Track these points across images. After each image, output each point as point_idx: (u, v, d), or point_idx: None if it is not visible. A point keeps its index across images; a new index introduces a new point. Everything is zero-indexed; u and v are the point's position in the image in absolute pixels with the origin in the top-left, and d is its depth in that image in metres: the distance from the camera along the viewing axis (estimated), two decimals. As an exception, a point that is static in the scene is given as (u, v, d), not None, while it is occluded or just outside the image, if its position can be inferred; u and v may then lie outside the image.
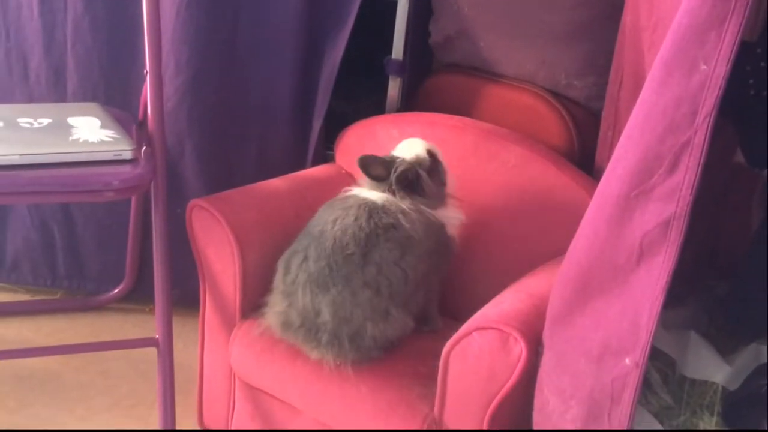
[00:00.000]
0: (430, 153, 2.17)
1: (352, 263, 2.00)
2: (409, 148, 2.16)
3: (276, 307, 2.12)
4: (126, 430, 2.41)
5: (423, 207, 2.11)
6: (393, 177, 2.10)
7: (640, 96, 1.40)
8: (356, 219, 2.04)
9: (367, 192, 2.13)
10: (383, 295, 2.01)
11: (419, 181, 2.12)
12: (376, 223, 2.03)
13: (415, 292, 2.09)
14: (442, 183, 2.19)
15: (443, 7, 2.71)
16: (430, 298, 2.21)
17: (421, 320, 2.18)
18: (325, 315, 2.01)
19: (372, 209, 2.06)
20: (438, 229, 2.14)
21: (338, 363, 2.04)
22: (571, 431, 1.63)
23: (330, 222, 2.06)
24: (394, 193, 2.11)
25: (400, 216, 2.05)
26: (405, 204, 2.09)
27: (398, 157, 2.14)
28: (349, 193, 2.15)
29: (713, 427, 1.83)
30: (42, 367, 2.61)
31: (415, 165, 2.12)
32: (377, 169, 2.13)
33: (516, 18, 2.57)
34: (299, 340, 2.08)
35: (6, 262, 2.98)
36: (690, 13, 1.27)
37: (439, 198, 2.17)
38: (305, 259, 2.05)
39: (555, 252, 2.14)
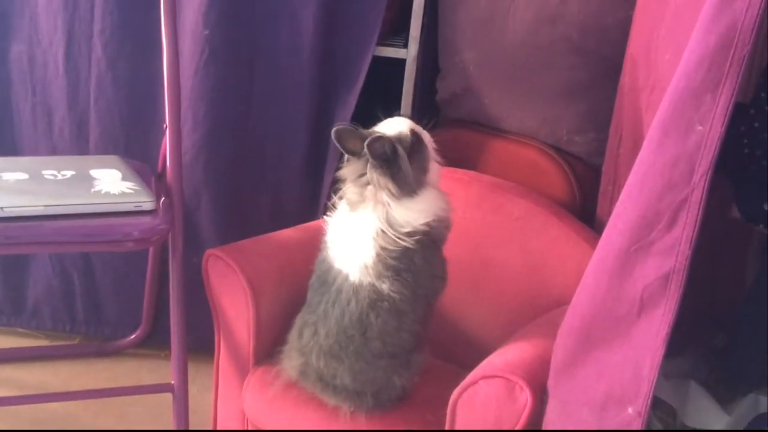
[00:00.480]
0: (414, 132, 2.00)
1: (357, 342, 1.99)
2: (392, 125, 2.02)
3: (293, 361, 2.10)
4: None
5: (393, 220, 1.95)
6: (365, 147, 1.89)
7: (639, 155, 1.42)
8: (348, 303, 1.99)
9: (337, 250, 2.04)
10: (399, 355, 2.01)
11: (396, 157, 1.93)
12: (362, 305, 1.97)
13: (427, 319, 2.07)
14: (423, 168, 2.01)
15: (450, 66, 2.73)
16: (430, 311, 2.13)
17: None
18: (345, 379, 2.01)
19: (355, 290, 1.98)
20: (416, 242, 1.96)
21: (354, 411, 2.04)
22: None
23: (330, 304, 2.02)
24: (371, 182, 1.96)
25: (377, 283, 1.96)
26: (371, 255, 1.96)
27: (377, 132, 1.98)
28: (332, 265, 2.05)
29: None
30: (61, 411, 2.60)
31: (394, 140, 1.95)
32: (353, 142, 1.98)
33: (518, 77, 2.59)
34: (317, 390, 2.08)
35: (27, 308, 2.98)
36: (686, 76, 1.28)
37: (418, 183, 1.99)
38: (316, 333, 2.03)
39: (558, 302, 2.15)
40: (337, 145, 1.99)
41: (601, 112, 2.50)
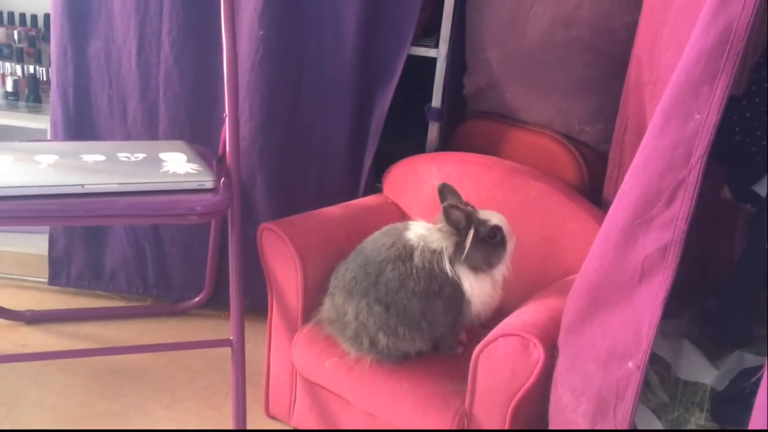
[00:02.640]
0: (498, 229, 2.01)
1: (369, 281, 2.01)
2: (493, 215, 2.04)
3: (326, 305, 2.16)
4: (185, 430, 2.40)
5: (446, 257, 2.00)
6: (443, 208, 1.97)
7: (643, 140, 1.41)
8: (383, 245, 2.04)
9: (418, 225, 2.08)
10: (392, 314, 2.00)
11: (467, 230, 1.98)
12: (391, 253, 2.02)
13: (419, 321, 2.02)
14: (490, 260, 2.03)
15: (476, 64, 2.72)
16: (442, 333, 2.10)
17: (439, 345, 2.15)
18: (350, 316, 2.05)
19: (397, 240, 2.04)
20: (446, 280, 2.00)
21: (359, 358, 2.08)
22: (581, 431, 1.62)
23: (370, 242, 2.10)
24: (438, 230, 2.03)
25: (415, 253, 2.00)
26: (433, 246, 2.01)
27: (472, 210, 2.03)
28: (402, 223, 2.14)
29: (702, 422, 1.81)
30: (134, 363, 2.63)
31: (472, 218, 2.00)
32: (449, 198, 2.05)
33: (536, 74, 2.57)
34: (335, 333, 2.13)
35: (105, 274, 3.00)
36: (686, 70, 1.28)
37: (476, 265, 2.01)
38: (346, 270, 2.09)
39: (568, 271, 2.15)
40: (439, 195, 2.08)
41: (609, 105, 2.48)
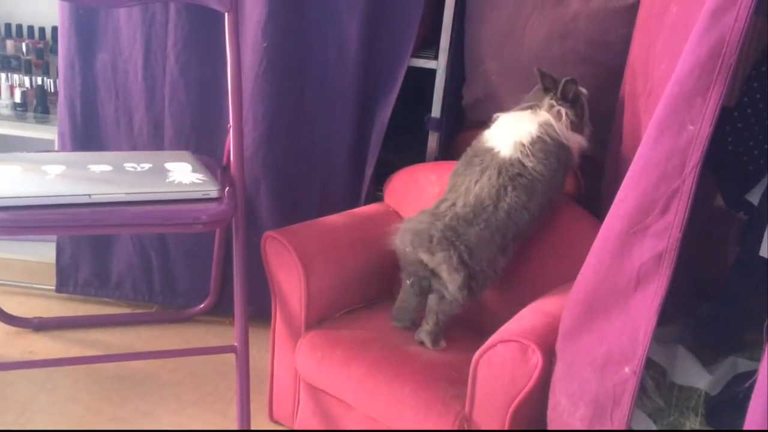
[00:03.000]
0: (582, 93, 2.28)
1: (488, 212, 2.11)
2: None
3: (419, 216, 2.21)
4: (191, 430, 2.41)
5: (559, 129, 2.20)
6: (561, 87, 2.21)
7: (638, 151, 1.42)
8: (489, 178, 2.14)
9: (503, 136, 2.22)
10: (508, 237, 2.13)
11: (578, 99, 2.24)
12: (504, 177, 2.13)
13: (532, 222, 2.18)
14: (586, 119, 2.29)
15: (474, 75, 2.73)
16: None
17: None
18: (471, 239, 2.11)
19: (501, 165, 2.15)
20: (563, 152, 2.20)
21: (454, 272, 2.11)
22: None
23: (473, 182, 2.17)
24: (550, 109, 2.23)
25: (525, 159, 2.14)
26: (530, 134, 2.17)
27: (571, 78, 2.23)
28: (485, 146, 2.24)
29: (697, 426, 1.82)
30: (141, 369, 2.63)
31: (578, 86, 2.23)
32: (548, 81, 2.26)
33: (533, 85, 2.58)
34: (431, 243, 2.12)
35: (112, 281, 3.00)
36: (680, 82, 1.28)
37: (581, 126, 2.27)
38: (453, 204, 2.16)
39: (565, 278, 2.14)
40: (539, 79, 2.28)
41: (604, 116, 2.49)
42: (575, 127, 2.23)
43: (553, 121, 2.19)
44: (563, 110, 2.21)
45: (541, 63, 2.51)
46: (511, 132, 2.20)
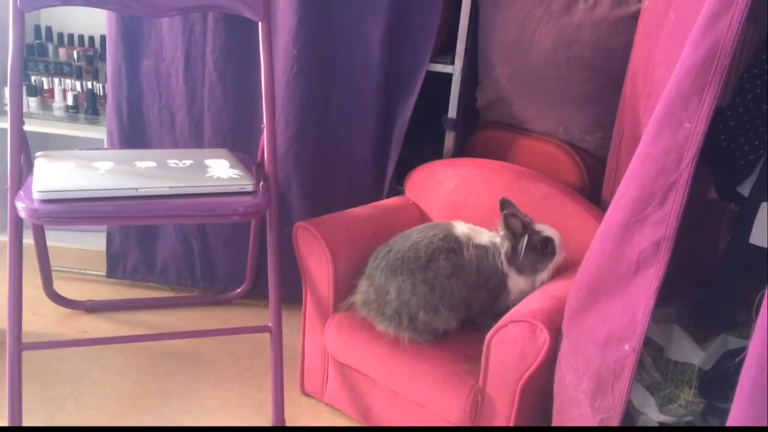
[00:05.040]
0: (549, 240, 2.12)
1: (418, 264, 2.05)
2: (548, 229, 2.15)
3: (361, 287, 2.17)
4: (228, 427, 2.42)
5: (502, 253, 2.11)
6: (503, 216, 2.09)
7: (638, 147, 1.42)
8: (433, 236, 2.09)
9: (460, 225, 2.17)
10: (435, 294, 2.04)
11: (521, 238, 2.09)
12: (444, 244, 2.07)
13: (460, 304, 2.08)
14: (536, 265, 2.12)
15: (487, 80, 2.72)
16: (477, 314, 2.16)
17: (472, 323, 2.18)
18: (392, 295, 2.06)
19: (447, 235, 2.10)
20: (495, 272, 2.11)
21: (396, 337, 2.08)
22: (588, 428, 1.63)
23: (417, 232, 2.13)
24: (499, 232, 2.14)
25: (465, 249, 2.08)
26: (478, 240, 2.11)
27: (530, 221, 2.15)
28: (444, 222, 2.19)
29: (691, 398, 1.82)
30: (184, 347, 2.65)
31: (526, 226, 2.11)
32: (507, 208, 2.14)
33: (541, 89, 2.58)
34: (371, 314, 2.13)
35: (157, 267, 3.02)
36: (677, 83, 1.28)
37: (523, 268, 2.11)
38: (389, 251, 2.12)
39: (571, 263, 2.15)
40: (500, 209, 2.14)
41: (606, 116, 2.48)
42: (512, 261, 2.12)
43: (501, 249, 2.13)
44: (502, 238, 2.13)
45: (548, 68, 2.52)
46: (467, 228, 2.16)
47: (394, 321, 2.08)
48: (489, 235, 2.16)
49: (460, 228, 2.14)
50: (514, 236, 2.10)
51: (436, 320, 2.07)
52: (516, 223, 2.09)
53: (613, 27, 2.41)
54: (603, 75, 2.48)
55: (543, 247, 2.11)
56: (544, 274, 2.14)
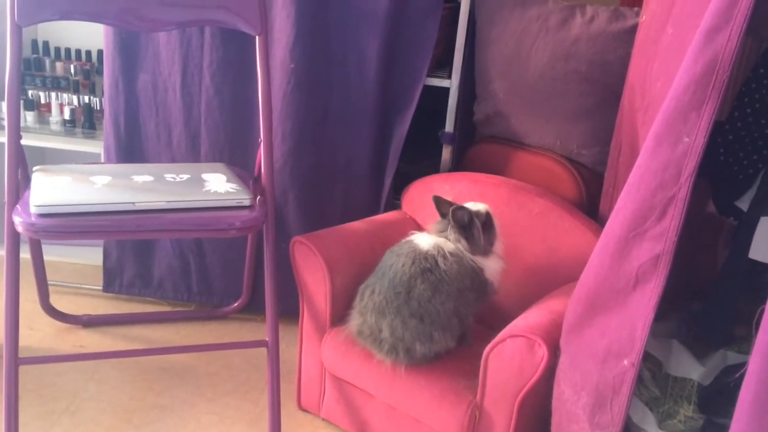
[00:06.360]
0: (488, 213, 2.12)
1: (401, 299, 2.02)
2: (474, 205, 2.14)
3: (354, 320, 2.15)
4: None
5: (466, 253, 2.08)
6: (450, 213, 2.08)
7: (637, 161, 1.41)
8: (403, 265, 2.04)
9: (423, 237, 2.12)
10: (426, 323, 2.02)
11: (471, 225, 2.08)
12: (416, 268, 2.03)
13: (450, 320, 2.06)
14: (491, 239, 2.12)
15: (484, 94, 2.73)
16: (469, 323, 2.16)
17: (463, 340, 2.18)
18: (386, 333, 2.05)
19: (416, 256, 2.05)
20: (473, 272, 2.08)
21: (395, 366, 2.07)
22: None
23: (389, 266, 2.08)
24: (449, 236, 2.10)
25: (439, 259, 2.04)
26: (448, 248, 2.07)
27: (462, 205, 2.11)
28: (406, 239, 2.16)
29: (690, 414, 1.81)
30: (180, 361, 2.64)
31: (472, 213, 2.09)
32: (444, 207, 2.14)
33: (539, 103, 2.58)
34: (368, 344, 2.11)
35: (153, 282, 3.01)
36: (676, 98, 1.28)
37: (486, 249, 2.11)
38: (373, 292, 2.09)
39: (568, 278, 2.14)
40: (435, 206, 2.17)
41: (603, 131, 2.49)
42: (474, 250, 2.10)
43: (461, 247, 2.10)
44: (456, 236, 2.10)
45: (545, 83, 2.52)
46: (432, 238, 2.12)
47: (392, 354, 2.06)
48: (443, 240, 2.11)
49: (424, 240, 2.11)
50: (463, 228, 2.09)
51: (434, 347, 2.06)
52: (463, 215, 2.08)
53: (610, 41, 2.42)
54: (600, 89, 2.48)
55: (489, 223, 2.13)
56: (499, 243, 2.16)
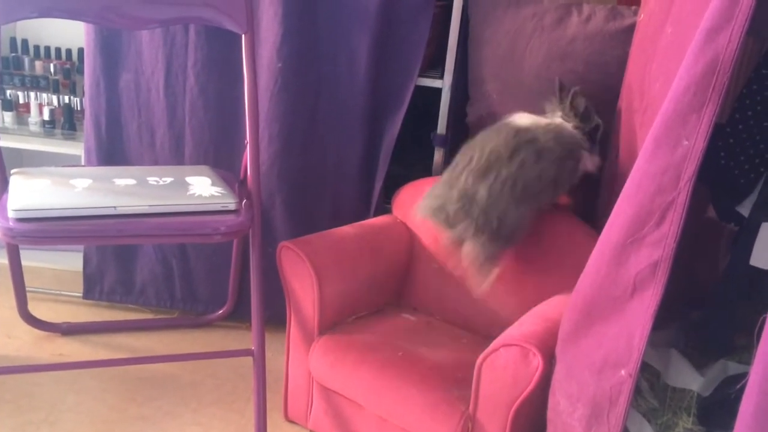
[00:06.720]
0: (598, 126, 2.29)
1: (502, 162, 2.10)
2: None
3: (435, 191, 2.24)
4: None
5: (569, 127, 2.24)
6: (570, 93, 2.25)
7: (635, 165, 1.41)
8: (506, 137, 2.15)
9: (522, 116, 2.25)
10: (518, 189, 2.09)
11: (589, 117, 2.27)
12: (519, 140, 2.13)
13: (542, 192, 2.15)
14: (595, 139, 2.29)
15: (478, 95, 2.72)
16: (560, 192, 2.27)
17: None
18: (482, 192, 2.10)
19: (517, 130, 2.16)
20: (572, 145, 2.22)
21: (471, 243, 2.15)
22: None
23: (490, 139, 2.18)
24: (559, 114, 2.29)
25: (539, 133, 2.15)
26: (547, 121, 2.23)
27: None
28: (504, 121, 2.26)
29: (690, 425, 1.81)
30: (163, 371, 2.63)
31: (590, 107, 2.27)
32: (564, 91, 2.31)
33: (534, 103, 2.58)
34: (450, 216, 2.17)
35: (136, 288, 3.00)
36: (675, 100, 1.28)
37: (594, 150, 2.28)
38: (470, 160, 2.16)
39: (565, 286, 2.13)
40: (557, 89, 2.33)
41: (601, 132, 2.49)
42: (581, 140, 2.25)
43: (569, 126, 2.24)
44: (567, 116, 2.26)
45: (540, 83, 2.52)
46: (531, 117, 2.25)
47: (481, 219, 2.12)
48: (541, 117, 2.27)
49: (523, 120, 2.23)
50: (576, 116, 2.26)
51: (523, 213, 2.13)
52: (581, 102, 2.25)
53: (607, 40, 2.42)
54: (597, 89, 2.48)
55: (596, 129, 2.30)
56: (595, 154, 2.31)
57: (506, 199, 2.09)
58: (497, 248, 2.15)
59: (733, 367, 1.91)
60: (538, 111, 2.57)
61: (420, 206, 2.26)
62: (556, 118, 2.26)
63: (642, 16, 2.18)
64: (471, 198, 2.12)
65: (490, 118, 2.70)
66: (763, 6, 1.17)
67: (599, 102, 2.48)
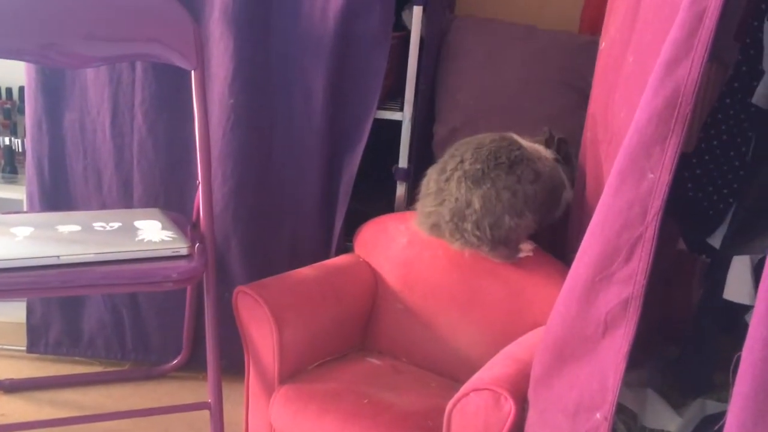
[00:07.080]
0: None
1: (501, 170, 2.13)
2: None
3: (427, 208, 2.25)
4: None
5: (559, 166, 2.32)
6: (557, 139, 2.35)
7: (600, 200, 1.43)
8: (510, 144, 2.19)
9: (520, 138, 2.29)
10: (519, 199, 2.13)
11: (568, 159, 2.37)
12: (521, 153, 2.18)
13: (540, 207, 2.20)
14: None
15: (446, 106, 2.77)
16: (546, 222, 2.32)
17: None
18: (476, 204, 2.12)
19: (520, 146, 2.21)
20: (561, 180, 2.32)
21: (475, 249, 2.21)
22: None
23: (488, 140, 2.20)
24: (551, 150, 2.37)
25: (536, 160, 2.21)
26: (546, 154, 2.31)
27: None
28: (498, 133, 2.28)
29: (671, 470, 1.83)
30: (114, 428, 2.59)
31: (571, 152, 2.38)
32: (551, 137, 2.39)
33: (509, 108, 2.64)
34: (446, 235, 2.21)
35: (83, 340, 2.97)
36: (639, 131, 1.30)
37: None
38: (462, 161, 2.18)
39: (535, 323, 2.16)
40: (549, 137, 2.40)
41: (573, 138, 2.54)
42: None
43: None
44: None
45: (518, 85, 2.59)
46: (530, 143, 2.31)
47: (476, 230, 2.15)
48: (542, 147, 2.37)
49: (525, 141, 2.28)
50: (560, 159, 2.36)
51: (521, 224, 2.16)
52: (564, 147, 2.38)
53: (577, 50, 2.51)
54: (571, 91, 2.56)
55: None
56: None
57: (502, 207, 2.13)
58: (504, 250, 2.21)
59: (712, 406, 1.93)
60: (518, 116, 2.66)
61: (417, 223, 2.32)
62: (549, 154, 2.33)
63: (603, 45, 2.22)
64: (462, 214, 2.15)
65: (467, 126, 2.73)
66: (723, 32, 1.20)
67: (571, 105, 2.57)
